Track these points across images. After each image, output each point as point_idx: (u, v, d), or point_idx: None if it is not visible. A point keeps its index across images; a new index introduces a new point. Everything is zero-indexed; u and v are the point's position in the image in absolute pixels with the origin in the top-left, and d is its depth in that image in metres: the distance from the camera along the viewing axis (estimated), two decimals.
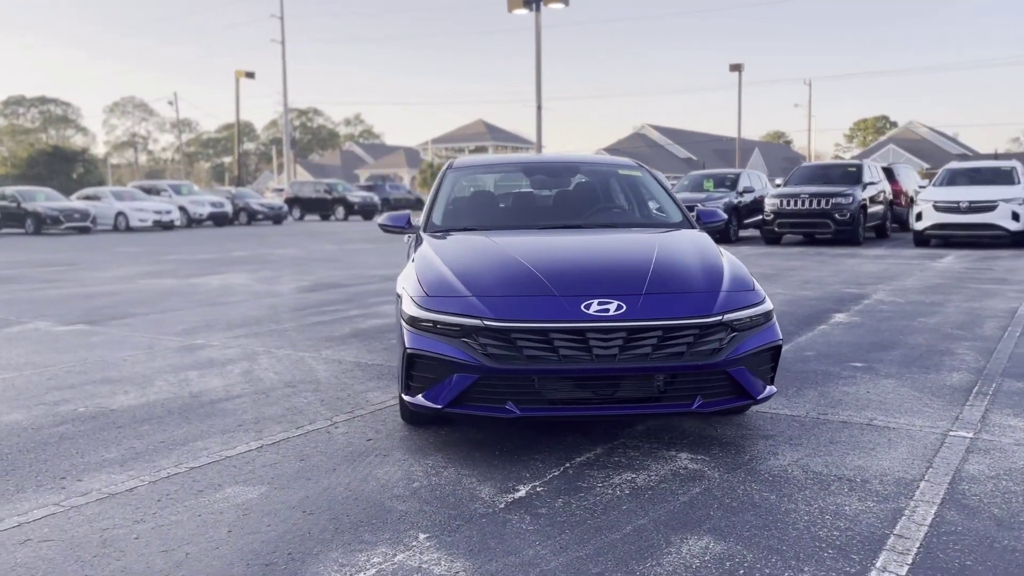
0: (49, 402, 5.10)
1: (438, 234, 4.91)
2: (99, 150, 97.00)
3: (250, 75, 42.38)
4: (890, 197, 19.39)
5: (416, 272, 4.27)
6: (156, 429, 4.48)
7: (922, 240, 16.10)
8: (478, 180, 5.67)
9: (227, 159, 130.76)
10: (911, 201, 21.30)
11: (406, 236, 5.86)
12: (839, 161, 24.36)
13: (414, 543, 3.00)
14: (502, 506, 3.33)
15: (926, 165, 66.72)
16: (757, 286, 4.14)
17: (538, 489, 3.51)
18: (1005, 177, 16.57)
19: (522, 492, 3.48)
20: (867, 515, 3.17)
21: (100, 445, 4.22)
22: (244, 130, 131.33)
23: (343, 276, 12.43)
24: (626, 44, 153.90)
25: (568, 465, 3.80)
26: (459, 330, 3.80)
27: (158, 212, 28.89)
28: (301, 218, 38.10)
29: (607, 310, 3.75)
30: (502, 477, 3.66)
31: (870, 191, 17.56)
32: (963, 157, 74.76)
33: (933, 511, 3.19)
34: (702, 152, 76.02)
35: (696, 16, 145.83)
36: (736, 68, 37.52)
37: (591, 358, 3.70)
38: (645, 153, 76.63)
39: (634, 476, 3.64)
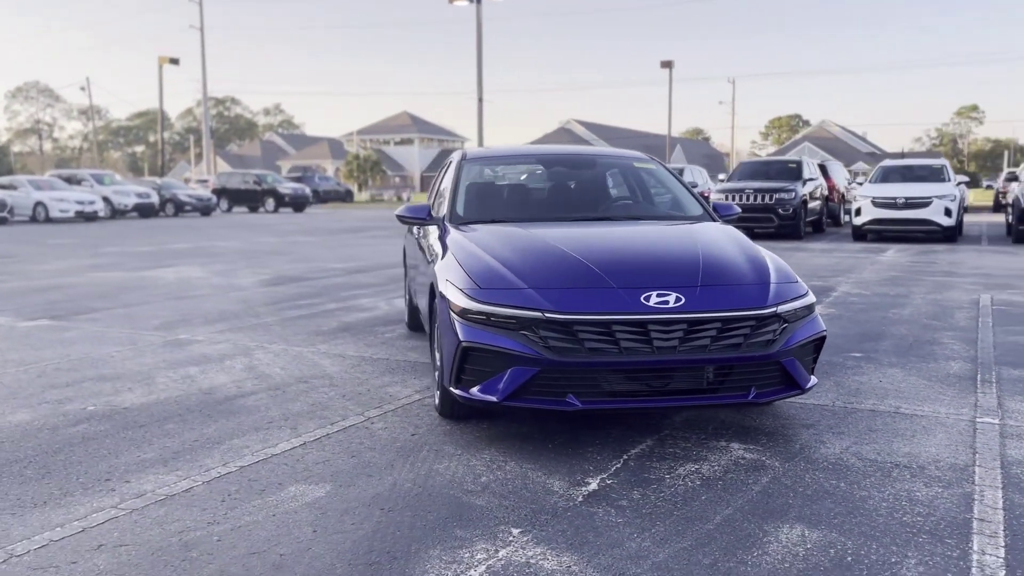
0: (51, 401, 4.85)
1: (467, 226, 4.85)
2: None
3: (174, 61, 41.03)
4: (825, 193, 20.01)
5: (460, 263, 4.21)
6: (183, 427, 4.31)
7: (860, 234, 16.66)
8: (495, 172, 5.62)
9: (139, 148, 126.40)
10: (843, 197, 22.05)
11: (415, 228, 5.77)
12: (781, 158, 24.96)
13: (510, 538, 2.96)
14: (580, 499, 3.32)
15: (839, 162, 69.13)
16: (798, 278, 4.22)
17: (607, 482, 3.51)
18: (937, 175, 17.29)
19: (593, 485, 3.47)
20: (941, 500, 3.26)
21: (130, 445, 4.04)
22: (157, 119, 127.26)
23: (301, 270, 12.17)
24: (556, 39, 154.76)
25: (626, 457, 3.81)
26: (517, 322, 3.76)
27: (81, 203, 27.75)
28: (229, 210, 37.14)
29: (667, 302, 3.77)
30: (566, 470, 3.64)
31: (809, 187, 18.08)
32: (872, 155, 77.65)
33: (1000, 495, 3.30)
34: (627, 148, 76.92)
35: (624, 13, 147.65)
36: (667, 65, 38.10)
37: (651, 350, 3.72)
38: None
39: (697, 467, 3.67)
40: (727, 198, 17.23)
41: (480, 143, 25.98)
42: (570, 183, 5.62)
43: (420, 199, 63.67)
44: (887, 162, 18.83)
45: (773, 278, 4.08)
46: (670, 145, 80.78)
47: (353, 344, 6.48)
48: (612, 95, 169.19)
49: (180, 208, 32.15)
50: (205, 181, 41.20)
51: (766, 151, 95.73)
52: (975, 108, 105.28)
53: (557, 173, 5.74)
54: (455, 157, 5.73)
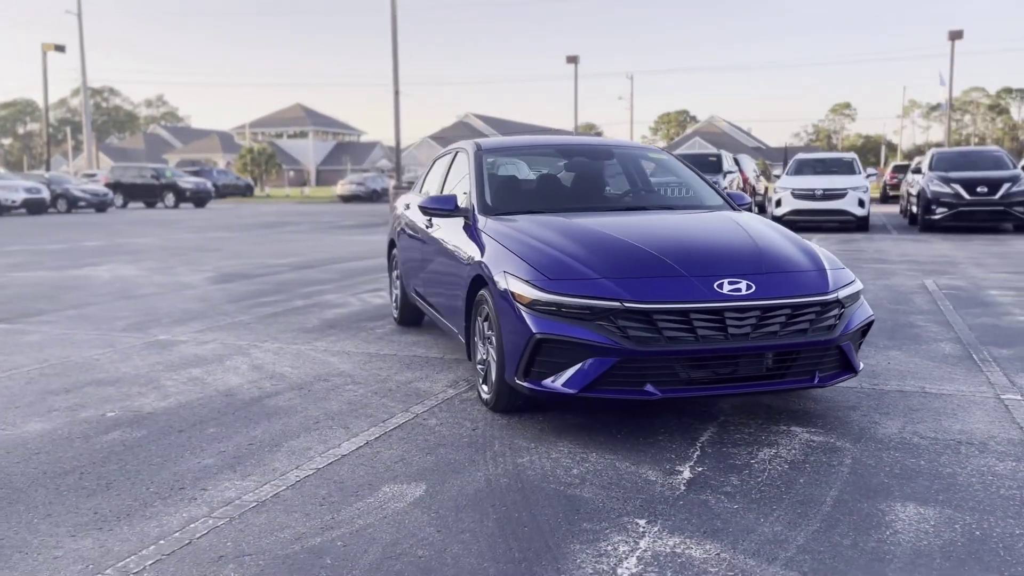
0: (61, 408, 4.53)
1: (504, 216, 4.77)
2: None
3: (60, 48, 38.77)
4: (741, 185, 20.68)
5: (517, 254, 4.14)
6: (227, 431, 4.10)
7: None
8: (514, 162, 5.56)
9: (6, 141, 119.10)
10: (754, 190, 22.84)
11: (427, 219, 5.65)
12: (703, 151, 25.58)
13: (640, 528, 2.95)
14: (683, 488, 3.32)
15: (748, 156, 71.59)
16: (844, 265, 4.35)
17: (697, 469, 3.53)
18: (848, 167, 18.13)
19: (686, 473, 3.48)
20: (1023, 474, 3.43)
21: (182, 451, 3.82)
22: (27, 109, 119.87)
23: (243, 266, 11.75)
24: (456, 33, 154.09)
25: (699, 444, 3.84)
26: (592, 312, 3.74)
27: None
28: (124, 205, 35.50)
29: (739, 289, 3.82)
30: (649, 460, 3.64)
31: (729, 179, 18.64)
32: (757, 150, 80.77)
33: None
34: None
35: (526, 7, 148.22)
36: (572, 60, 38.55)
37: (725, 337, 3.76)
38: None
39: (774, 451, 3.74)
40: None
41: (397, 137, 25.67)
42: (594, 173, 5.61)
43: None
44: (801, 156, 19.61)
45: (827, 264, 4.19)
46: None
47: (350, 341, 6.30)
48: (510, 90, 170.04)
49: (73, 204, 30.48)
50: (93, 175, 39.15)
51: (657, 146, 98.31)
52: (848, 105, 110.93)
53: (578, 163, 5.73)
54: (467, 148, 5.63)
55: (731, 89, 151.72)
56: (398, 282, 6.85)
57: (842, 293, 4.02)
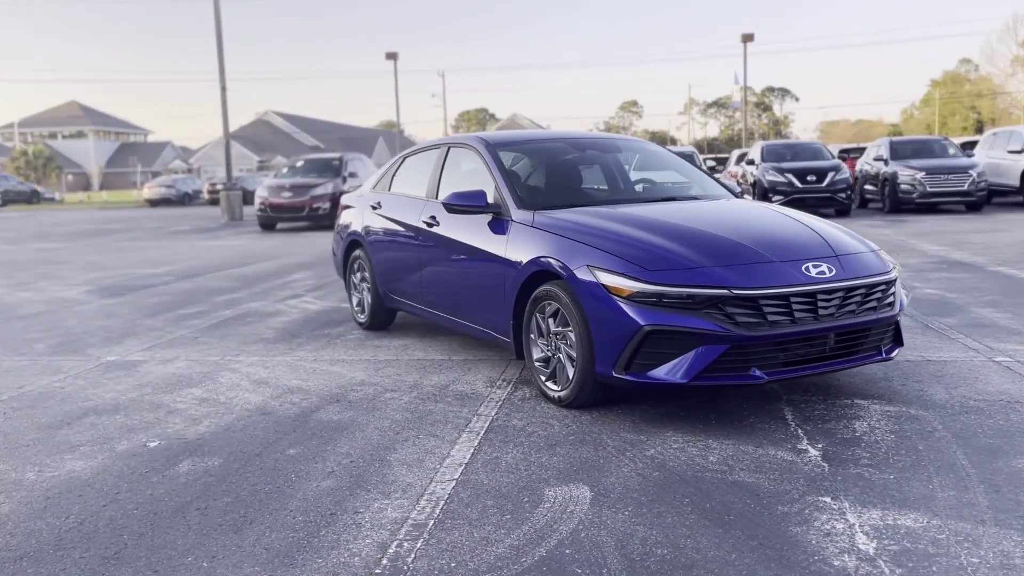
0: (86, 443, 4.02)
1: (549, 211, 4.69)
2: None
3: None
4: None
5: (597, 247, 4.10)
6: (311, 451, 3.80)
7: None
8: (528, 157, 5.44)
9: None
10: None
11: (429, 218, 5.46)
12: None
13: (835, 506, 3.03)
14: (825, 464, 3.44)
15: None
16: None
17: (819, 446, 3.66)
18: (689, 160, 19.20)
19: (813, 451, 3.61)
20: None
21: (286, 475, 3.50)
22: None
23: (118, 277, 10.78)
24: (260, 28, 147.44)
25: (792, 424, 3.98)
26: (696, 301, 3.79)
27: None
28: None
29: (823, 272, 4.01)
30: (768, 442, 3.73)
31: None
32: None
33: None
34: (330, 140, 75.94)
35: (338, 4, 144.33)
36: (392, 57, 38.05)
37: (815, 318, 3.94)
38: (270, 140, 74.58)
39: (866, 424, 3.94)
40: None
41: (226, 136, 24.30)
42: (614, 166, 5.64)
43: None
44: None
45: (873, 247, 4.47)
46: (371, 137, 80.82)
47: (333, 349, 5.97)
48: (319, 87, 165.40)
49: None
50: None
51: None
52: (635, 103, 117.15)
53: (594, 157, 5.72)
54: (472, 143, 5.47)
55: (529, 87, 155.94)
56: (364, 286, 6.56)
57: (895, 273, 4.31)
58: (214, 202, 38.98)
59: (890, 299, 4.23)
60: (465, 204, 4.91)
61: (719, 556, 2.67)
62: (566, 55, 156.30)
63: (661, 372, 3.85)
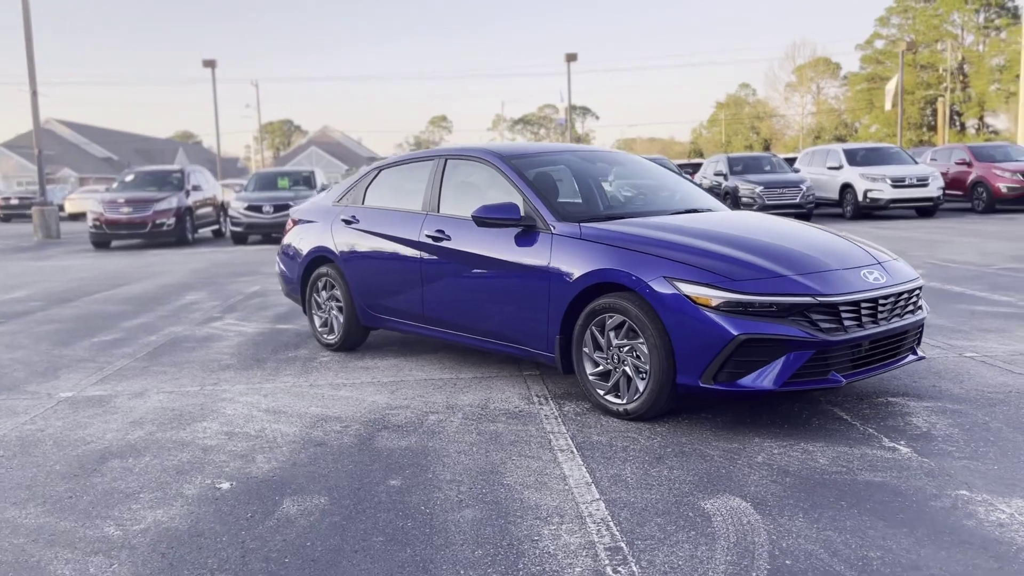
0: (143, 489, 3.57)
1: (595, 224, 4.65)
2: None
3: None
4: None
5: (671, 259, 4.13)
6: (414, 483, 3.57)
7: None
8: (550, 170, 5.33)
9: None
10: None
11: (436, 232, 5.27)
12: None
13: (978, 499, 3.22)
14: (932, 463, 3.66)
15: (345, 166, 72.60)
16: None
17: (903, 443, 3.87)
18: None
19: (905, 450, 3.79)
20: None
21: (420, 507, 3.27)
22: None
23: (32, 295, 9.57)
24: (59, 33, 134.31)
25: (855, 423, 4.19)
26: (781, 308, 3.92)
27: None
28: None
29: (878, 279, 4.26)
30: (855, 442, 3.90)
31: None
32: (372, 159, 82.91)
33: None
34: (125, 152, 71.16)
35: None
36: (209, 64, 36.03)
37: (875, 322, 4.18)
38: (55, 151, 68.83)
39: (925, 420, 4.21)
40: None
41: (37, 143, 22.12)
42: (627, 178, 5.65)
43: None
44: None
45: (893, 255, 4.79)
46: (172, 148, 76.41)
47: (320, 374, 5.62)
48: (101, 95, 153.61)
49: None
50: None
51: (260, 156, 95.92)
52: (444, 118, 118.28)
53: (604, 169, 5.71)
54: (483, 156, 5.30)
55: (339, 100, 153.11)
56: (333, 305, 6.22)
57: (920, 279, 4.65)
58: (5, 219, 35.44)
59: (921, 302, 4.55)
60: (498, 217, 4.79)
61: (928, 554, 2.77)
62: (376, 68, 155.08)
63: (751, 380, 3.93)
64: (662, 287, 4.07)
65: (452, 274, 5.21)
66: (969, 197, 19.64)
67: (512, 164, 5.15)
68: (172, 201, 17.82)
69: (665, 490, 3.38)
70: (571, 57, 36.65)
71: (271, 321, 7.71)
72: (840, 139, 68.05)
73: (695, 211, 5.23)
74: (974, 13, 64.10)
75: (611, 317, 4.31)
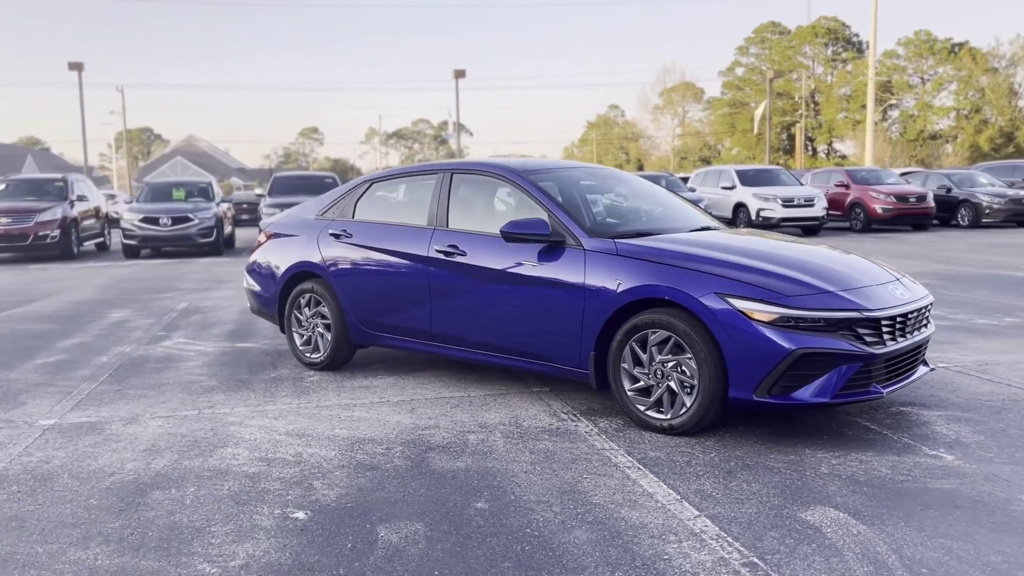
0: (209, 522, 3.33)
1: (628, 240, 4.68)
2: None
3: None
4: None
5: (721, 275, 4.20)
6: (503, 504, 3.48)
7: None
8: (561, 185, 5.27)
9: None
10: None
11: (448, 247, 5.17)
12: (313, 172, 24.50)
13: None
14: (978, 468, 3.87)
15: (211, 176, 70.13)
16: None
17: (942, 451, 4.07)
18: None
19: (949, 457, 3.98)
20: None
21: (524, 529, 3.19)
22: None
23: None
24: None
25: (890, 435, 4.39)
26: (830, 323, 4.07)
27: None
28: None
29: (904, 294, 4.48)
30: (900, 452, 4.08)
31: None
32: (241, 171, 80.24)
33: None
34: None
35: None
36: (76, 67, 33.80)
37: (905, 335, 4.40)
38: None
39: (951, 427, 4.45)
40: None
41: None
42: (643, 196, 5.69)
43: None
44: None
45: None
46: (20, 155, 71.44)
47: (321, 395, 5.39)
48: None
49: None
50: None
51: (117, 164, 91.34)
52: (315, 130, 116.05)
53: (613, 185, 5.72)
54: (501, 172, 5.22)
55: (205, 108, 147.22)
56: (317, 322, 5.98)
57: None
58: None
59: (930, 317, 4.81)
60: (527, 232, 4.75)
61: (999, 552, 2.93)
62: (243, 78, 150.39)
63: (804, 393, 4.05)
64: (714, 303, 4.14)
65: (467, 290, 5.12)
66: (847, 217, 20.91)
67: (531, 179, 5.12)
68: (56, 212, 16.67)
69: (757, 504, 3.42)
70: (459, 73, 36.79)
71: (225, 339, 7.34)
72: (705, 160, 71.17)
73: (707, 228, 5.33)
74: (823, 46, 68.56)
75: (654, 333, 4.34)
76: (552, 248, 4.78)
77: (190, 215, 16.85)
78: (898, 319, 4.28)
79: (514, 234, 4.78)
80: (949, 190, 21.45)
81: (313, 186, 18.49)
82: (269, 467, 3.96)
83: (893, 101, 62.81)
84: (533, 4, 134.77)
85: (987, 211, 20.48)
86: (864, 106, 53.28)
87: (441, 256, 5.23)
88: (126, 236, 16.75)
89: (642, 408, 4.44)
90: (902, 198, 20.04)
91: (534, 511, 3.38)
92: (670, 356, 4.31)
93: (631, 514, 3.33)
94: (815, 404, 4.06)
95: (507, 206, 5.27)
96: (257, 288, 6.49)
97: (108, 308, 9.50)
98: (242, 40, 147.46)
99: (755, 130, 43.47)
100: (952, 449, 4.08)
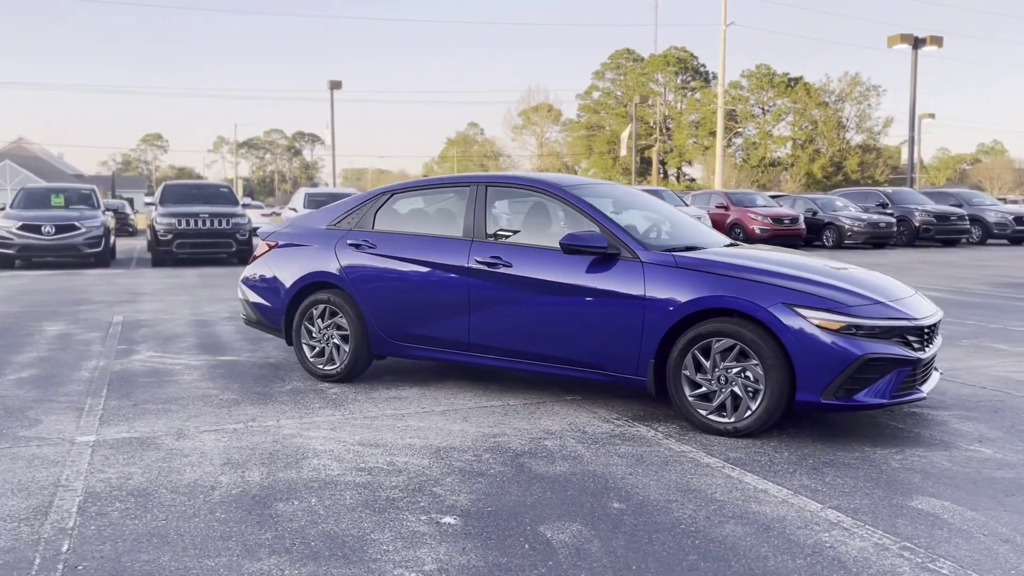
0: (375, 528, 3.31)
1: (684, 253, 4.93)
2: None
3: None
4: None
5: (787, 287, 4.52)
6: (653, 510, 3.63)
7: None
8: (615, 203, 5.47)
9: None
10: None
11: (491, 257, 5.27)
12: (210, 182, 23.25)
13: None
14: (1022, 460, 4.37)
15: (43, 182, 65.56)
16: None
17: (976, 447, 4.53)
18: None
19: (988, 452, 4.42)
20: None
21: (685, 531, 3.36)
22: None
23: None
24: None
25: (920, 432, 4.84)
26: (889, 331, 4.48)
27: None
28: None
29: (929, 306, 4.96)
30: (944, 447, 4.53)
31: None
32: (78, 177, 75.32)
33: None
34: None
35: None
36: None
37: (931, 342, 4.86)
38: None
39: (973, 427, 4.95)
40: (179, 223, 16.12)
41: None
42: (661, 212, 5.92)
43: None
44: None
45: None
46: None
47: (359, 406, 5.34)
48: None
49: None
50: None
51: None
52: (159, 136, 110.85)
53: (644, 202, 5.94)
54: (544, 186, 5.35)
55: (35, 110, 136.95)
56: (332, 332, 5.90)
57: None
58: None
59: None
60: (587, 245, 4.93)
61: None
62: (79, 78, 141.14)
63: (865, 395, 4.42)
64: (783, 313, 4.45)
65: (513, 301, 5.22)
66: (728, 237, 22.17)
67: (576, 194, 5.29)
68: None
69: (864, 495, 3.73)
70: (335, 84, 36.25)
71: (202, 353, 7.06)
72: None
73: (734, 244, 5.67)
74: (674, 75, 72.12)
75: (718, 341, 4.61)
76: (605, 261, 4.96)
77: (76, 223, 15.86)
78: (928, 328, 4.74)
79: (574, 246, 4.94)
80: (815, 213, 23.14)
81: (206, 195, 17.81)
82: (372, 476, 3.93)
83: (739, 129, 66.75)
84: (403, 20, 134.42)
85: (849, 233, 22.23)
86: (712, 133, 56.48)
87: (483, 267, 5.31)
88: (2, 245, 15.54)
89: (704, 413, 4.68)
90: (778, 220, 21.47)
91: (672, 509, 3.54)
92: (734, 363, 4.58)
93: (763, 508, 3.56)
94: (874, 405, 4.43)
95: (553, 220, 5.41)
96: (259, 300, 6.31)
97: (36, 321, 8.88)
98: (82, 39, 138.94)
99: (623, 152, 45.13)
100: (986, 446, 4.53)
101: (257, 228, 9.34)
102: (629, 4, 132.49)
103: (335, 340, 5.91)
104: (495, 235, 5.42)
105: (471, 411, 5.16)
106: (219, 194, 17.97)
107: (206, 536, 3.22)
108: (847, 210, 23.34)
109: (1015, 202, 41.09)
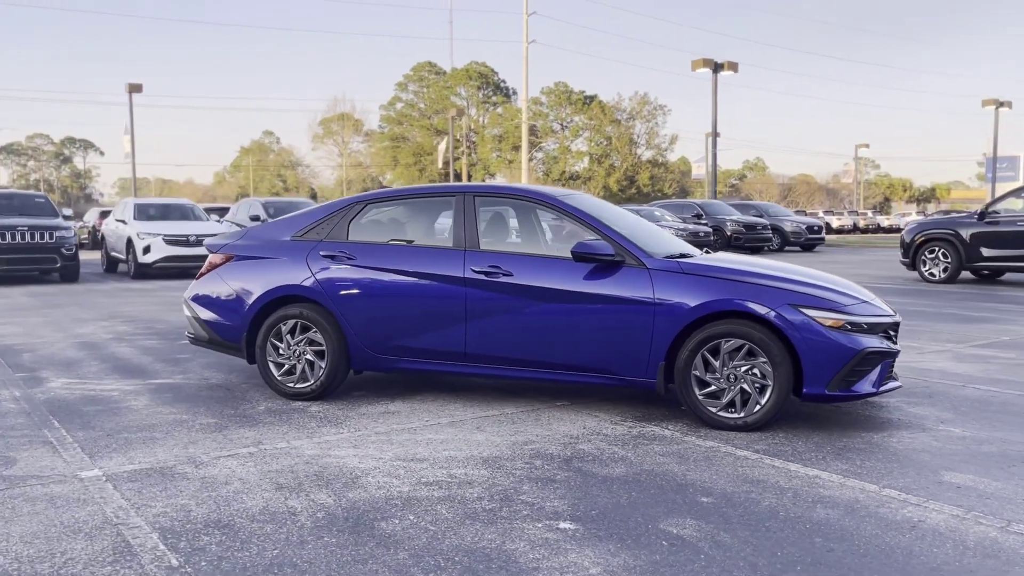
0: (497, 538, 3.28)
1: (688, 260, 5.18)
2: None
3: None
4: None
5: (790, 289, 4.89)
6: (719, 500, 3.83)
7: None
8: (607, 211, 5.55)
9: None
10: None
11: (489, 267, 5.29)
12: (25, 191, 20.66)
13: None
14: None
15: None
16: None
17: (960, 426, 5.14)
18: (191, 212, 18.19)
19: (957, 430, 5.05)
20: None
21: (813, 540, 3.58)
22: None
23: None
24: None
25: (919, 423, 5.38)
26: (876, 327, 4.96)
27: None
28: None
29: (886, 306, 5.52)
30: (947, 437, 5.07)
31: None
32: None
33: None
34: None
35: None
36: None
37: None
38: None
39: (969, 422, 5.55)
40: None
41: None
42: (639, 224, 6.08)
43: None
44: (141, 200, 18.51)
45: None
46: None
47: (360, 421, 5.16)
48: None
49: None
50: None
51: None
52: None
53: (612, 213, 6.07)
54: (539, 197, 5.43)
55: None
56: (303, 348, 5.64)
57: None
58: None
59: None
60: (596, 253, 5.06)
61: None
62: None
63: (860, 385, 4.87)
64: (790, 313, 4.80)
65: (515, 309, 5.25)
66: None
67: (572, 204, 5.42)
68: None
69: (907, 476, 4.11)
70: (135, 88, 33.82)
71: (124, 377, 6.51)
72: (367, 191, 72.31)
73: (708, 252, 6.01)
74: (477, 89, 73.52)
75: (727, 341, 4.89)
76: (608, 268, 5.12)
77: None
78: (897, 324, 5.28)
79: (585, 254, 5.06)
80: None
81: (20, 206, 16.26)
82: (448, 490, 3.85)
83: (540, 144, 69.06)
84: (211, 27, 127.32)
85: None
86: (516, 147, 58.22)
87: (481, 277, 5.30)
88: None
89: (714, 410, 4.94)
90: None
91: (756, 500, 3.75)
92: (743, 361, 4.88)
93: (832, 493, 3.84)
94: (866, 394, 4.89)
95: (546, 229, 5.50)
96: (213, 316, 5.92)
97: None
98: None
99: (440, 164, 45.46)
100: (949, 424, 5.10)
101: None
102: (428, 18, 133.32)
103: (308, 357, 5.65)
104: (487, 245, 5.43)
105: (477, 421, 5.13)
106: (36, 204, 16.37)
107: (340, 561, 3.06)
108: (665, 220, 24.84)
109: (814, 214, 45.68)
